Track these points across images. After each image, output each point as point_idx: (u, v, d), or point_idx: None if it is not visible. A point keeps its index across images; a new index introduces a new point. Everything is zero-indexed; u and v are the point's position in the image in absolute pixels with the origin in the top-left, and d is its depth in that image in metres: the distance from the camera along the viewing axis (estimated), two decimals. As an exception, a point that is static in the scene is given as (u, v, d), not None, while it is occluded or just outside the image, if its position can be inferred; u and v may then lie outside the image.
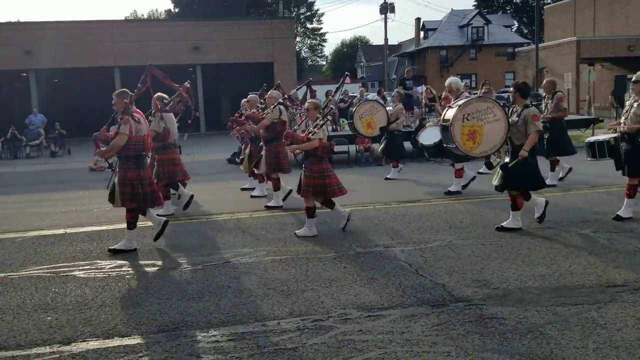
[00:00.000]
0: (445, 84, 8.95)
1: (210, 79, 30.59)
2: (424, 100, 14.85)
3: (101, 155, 6.86)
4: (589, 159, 7.69)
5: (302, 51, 72.21)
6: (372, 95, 20.11)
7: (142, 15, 70.62)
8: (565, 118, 10.06)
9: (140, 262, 6.28)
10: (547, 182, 9.53)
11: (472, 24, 53.24)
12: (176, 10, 59.35)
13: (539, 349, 3.82)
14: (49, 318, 4.72)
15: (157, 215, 7.22)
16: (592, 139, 7.55)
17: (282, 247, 6.58)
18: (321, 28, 73.48)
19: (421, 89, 17.49)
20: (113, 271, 5.96)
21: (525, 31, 62.33)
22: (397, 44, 68.03)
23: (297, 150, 7.18)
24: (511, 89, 7.26)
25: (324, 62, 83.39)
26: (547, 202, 7.18)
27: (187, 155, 10.07)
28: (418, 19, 56.74)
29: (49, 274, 5.96)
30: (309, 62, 77.58)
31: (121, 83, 28.67)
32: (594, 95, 30.54)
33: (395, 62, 63.28)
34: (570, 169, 10.01)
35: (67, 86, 29.68)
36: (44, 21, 30.12)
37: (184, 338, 4.22)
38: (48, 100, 27.67)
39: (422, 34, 56.95)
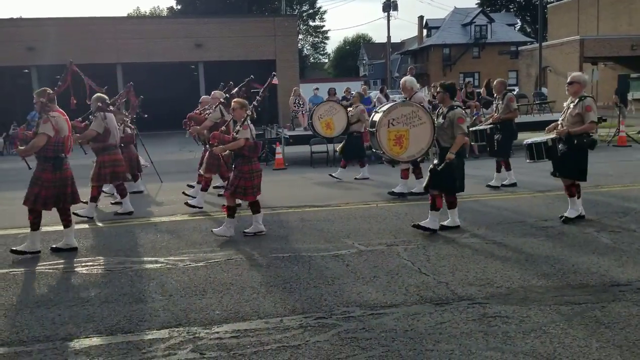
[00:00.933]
0: (400, 82, 8.96)
1: (213, 76, 30.46)
2: (427, 99, 14.81)
3: (20, 154, 6.55)
4: (527, 161, 7.59)
5: (305, 49, 72.15)
6: (374, 94, 20.04)
7: (145, 13, 70.60)
8: (516, 120, 9.96)
9: (143, 258, 6.27)
10: (492, 183, 9.67)
11: (475, 22, 53.18)
12: (178, 7, 59.35)
13: (543, 348, 3.81)
14: (52, 314, 4.72)
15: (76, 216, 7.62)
16: (529, 140, 7.49)
17: (284, 245, 6.57)
18: (324, 26, 73.53)
19: (424, 90, 17.42)
20: (116, 267, 5.96)
21: (529, 30, 62.26)
22: (400, 41, 67.97)
23: (224, 152, 7.20)
24: (438, 88, 7.08)
25: (326, 60, 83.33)
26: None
27: (189, 152, 10.08)
28: (421, 17, 56.71)
29: (51, 270, 5.96)
30: (311, 60, 77.54)
31: (123, 79, 28.72)
32: (597, 94, 30.47)
33: (398, 60, 63.25)
34: (515, 184, 9.64)
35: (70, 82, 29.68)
36: (46, 17, 30.26)
37: (187, 335, 4.22)
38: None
39: (425, 32, 56.90)
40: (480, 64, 52.11)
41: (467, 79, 33.58)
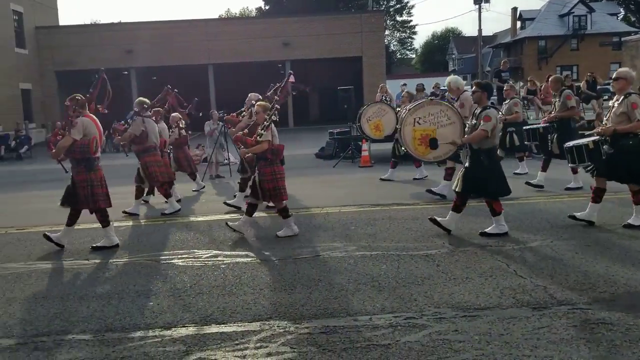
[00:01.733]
0: (445, 83, 8.51)
1: (299, 75, 30.88)
2: (522, 94, 14.21)
3: (52, 157, 6.94)
4: (570, 165, 7.15)
5: (391, 45, 71.24)
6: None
7: (235, 14, 72.75)
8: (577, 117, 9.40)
9: (233, 253, 6.45)
10: (570, 185, 8.96)
11: (573, 12, 50.36)
12: (267, 7, 60.65)
13: (654, 360, 3.53)
14: (151, 303, 4.95)
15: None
16: (570, 143, 7.01)
17: (372, 243, 6.52)
18: (411, 20, 72.01)
19: (518, 84, 16.70)
20: (209, 260, 6.17)
21: (633, 19, 58.13)
22: (491, 34, 65.67)
23: (248, 154, 7.16)
24: (474, 87, 6.70)
25: (414, 55, 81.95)
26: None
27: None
28: (515, 9, 54.46)
29: (150, 261, 6.27)
30: (398, 56, 76.42)
31: (214, 80, 29.80)
32: None
33: (489, 53, 61.14)
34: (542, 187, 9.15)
35: (164, 83, 31.14)
36: (143, 21, 31.79)
37: (277, 328, 4.28)
38: (147, 97, 29.14)
39: (518, 23, 54.61)
40: (578, 57, 49.28)
41: (565, 73, 31.85)
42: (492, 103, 7.14)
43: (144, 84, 30.41)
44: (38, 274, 5.98)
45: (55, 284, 5.65)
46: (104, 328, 4.44)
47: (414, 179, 11.03)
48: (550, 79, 9.71)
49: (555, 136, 8.87)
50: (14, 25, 27.84)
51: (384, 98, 14.71)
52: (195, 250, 6.61)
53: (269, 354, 3.87)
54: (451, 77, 8.84)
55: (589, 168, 6.84)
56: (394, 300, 4.72)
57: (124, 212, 8.79)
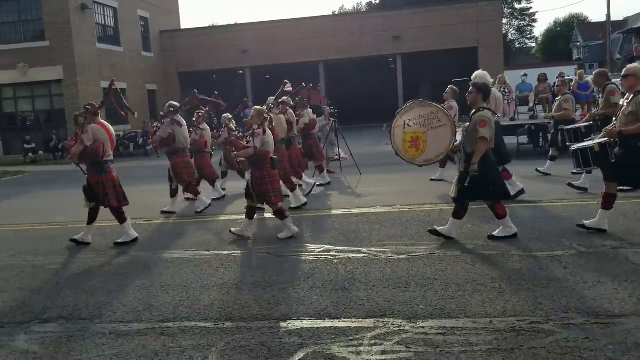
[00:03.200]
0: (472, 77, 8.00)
1: (410, 69, 30.51)
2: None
3: (71, 158, 7.52)
4: (574, 169, 6.68)
5: (509, 33, 67.74)
6: (591, 78, 18.03)
7: (347, 10, 73.14)
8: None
9: (345, 248, 6.43)
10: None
11: None
12: (377, 1, 60.38)
13: None
14: (267, 295, 5.05)
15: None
16: (575, 146, 6.51)
17: (490, 242, 6.22)
18: (530, 7, 68.34)
19: None
20: (322, 255, 6.20)
21: None
22: (622, 19, 60.63)
23: (240, 159, 7.21)
24: (471, 88, 6.33)
25: (534, 44, 77.59)
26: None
27: (385, 145, 10.09)
28: (647, -10, 49.81)
29: (265, 254, 6.42)
30: (517, 45, 72.56)
31: (325, 77, 30.14)
32: None
33: (619, 39, 56.42)
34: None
35: (276, 81, 32.04)
36: (258, 22, 32.78)
37: (391, 326, 4.19)
38: (262, 95, 30.14)
39: (652, 6, 49.88)
40: None
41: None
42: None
43: (257, 82, 31.52)
44: (164, 263, 6.34)
45: (180, 273, 5.95)
46: (224, 317, 4.60)
47: (431, 179, 10.56)
48: (594, 73, 8.92)
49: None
50: (140, 31, 29.96)
51: (502, 90, 14.05)
52: (308, 245, 6.68)
53: (384, 352, 3.80)
54: (478, 72, 8.51)
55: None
56: (517, 303, 4.45)
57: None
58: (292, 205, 8.85)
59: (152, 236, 7.80)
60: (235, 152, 7.42)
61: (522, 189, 8.51)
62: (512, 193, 8.27)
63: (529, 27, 72.56)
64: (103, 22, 26.77)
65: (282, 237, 7.00)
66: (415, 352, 3.77)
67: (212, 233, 7.70)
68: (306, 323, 4.37)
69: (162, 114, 9.31)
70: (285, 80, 8.58)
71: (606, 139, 6.15)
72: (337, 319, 4.41)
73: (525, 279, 4.98)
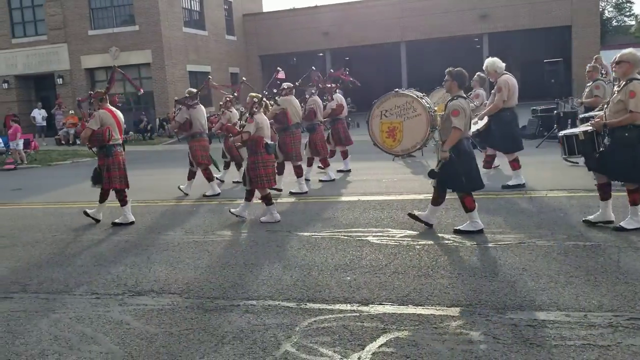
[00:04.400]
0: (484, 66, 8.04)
1: (497, 49, 29.24)
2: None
3: (83, 142, 8.17)
4: (562, 157, 6.53)
5: (606, 11, 63.36)
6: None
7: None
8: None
9: (428, 233, 6.30)
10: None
11: None
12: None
13: None
14: (348, 278, 5.04)
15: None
16: (562, 132, 6.33)
17: (584, 232, 5.89)
18: (631, -18, 63.33)
19: None
20: (403, 240, 6.11)
21: None
22: None
23: (237, 144, 7.48)
24: (446, 76, 6.14)
25: (633, 22, 72.21)
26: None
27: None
28: None
29: (346, 237, 6.41)
30: (614, 23, 67.73)
31: (407, 57, 29.59)
32: None
33: None
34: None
35: (356, 63, 31.81)
36: (338, 3, 32.54)
37: (478, 316, 4.06)
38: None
39: None
40: None
41: None
42: None
43: (337, 65, 31.42)
44: (247, 242, 6.49)
45: (262, 252, 6.06)
46: (306, 298, 4.64)
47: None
48: (588, 67, 8.75)
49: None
50: (224, 14, 30.62)
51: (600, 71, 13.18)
52: (389, 229, 6.61)
53: (470, 342, 3.69)
54: (489, 60, 8.39)
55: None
56: (614, 298, 4.19)
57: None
58: (293, 191, 9.16)
59: (231, 216, 7.98)
60: (232, 138, 7.78)
61: (524, 183, 8.33)
62: (514, 183, 8.34)
63: (628, 4, 67.42)
64: (189, 7, 27.57)
65: (264, 220, 7.33)
66: (504, 343, 3.63)
67: (294, 214, 7.78)
68: (388, 308, 4.32)
69: (176, 99, 9.85)
70: (278, 68, 8.72)
71: (590, 128, 5.97)
72: (421, 305, 4.33)
73: (623, 272, 4.68)
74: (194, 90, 9.85)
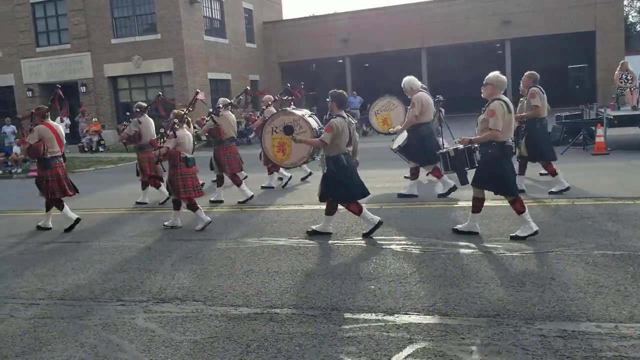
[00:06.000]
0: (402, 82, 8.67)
1: (519, 55, 28.99)
2: None
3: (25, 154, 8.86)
4: (443, 172, 7.01)
5: (630, 16, 62.39)
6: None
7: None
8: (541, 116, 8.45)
9: (453, 242, 6.23)
10: (553, 189, 8.26)
11: None
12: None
13: None
14: (372, 287, 5.00)
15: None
16: (439, 150, 6.90)
17: (614, 241, 5.77)
18: (656, -14, 62.36)
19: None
20: (428, 249, 6.05)
21: None
22: None
23: (161, 157, 7.77)
24: (328, 98, 6.69)
25: (657, 27, 70.93)
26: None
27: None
28: None
29: (369, 245, 6.36)
30: (637, 28, 66.64)
31: (427, 64, 29.45)
32: None
33: None
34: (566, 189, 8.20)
35: (376, 69, 31.78)
36: (357, 10, 32.53)
37: (506, 327, 3.99)
38: (361, 84, 30.04)
39: None
40: None
41: None
42: None
43: (356, 71, 31.41)
44: (269, 250, 6.48)
45: (285, 260, 6.04)
46: (330, 306, 4.60)
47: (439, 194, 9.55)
48: (524, 74, 8.87)
49: (525, 137, 8.44)
50: (244, 22, 30.81)
51: (623, 76, 13.01)
52: (413, 237, 6.55)
53: (499, 353, 3.62)
54: (406, 78, 8.96)
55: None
56: (647, 309, 4.09)
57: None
58: (240, 200, 9.47)
59: (257, 222, 7.99)
60: (154, 151, 8.20)
61: (523, 190, 8.36)
62: (442, 192, 8.71)
63: (653, 9, 66.37)
64: (210, 15, 27.80)
65: (198, 228, 7.65)
66: (533, 355, 3.56)
67: (315, 223, 7.76)
68: (414, 318, 4.27)
69: (127, 113, 10.59)
70: (197, 90, 8.98)
71: (462, 145, 6.37)
72: (447, 315, 4.27)
73: (656, 283, 4.57)
74: (144, 104, 10.54)
